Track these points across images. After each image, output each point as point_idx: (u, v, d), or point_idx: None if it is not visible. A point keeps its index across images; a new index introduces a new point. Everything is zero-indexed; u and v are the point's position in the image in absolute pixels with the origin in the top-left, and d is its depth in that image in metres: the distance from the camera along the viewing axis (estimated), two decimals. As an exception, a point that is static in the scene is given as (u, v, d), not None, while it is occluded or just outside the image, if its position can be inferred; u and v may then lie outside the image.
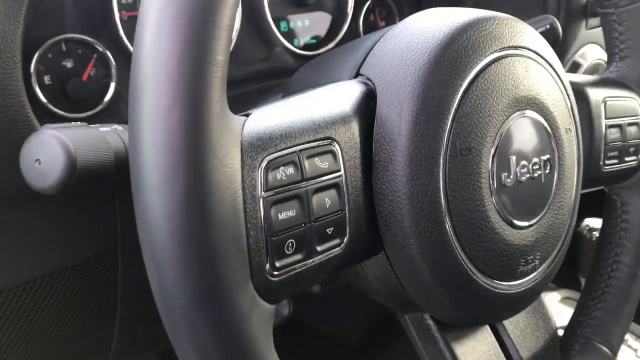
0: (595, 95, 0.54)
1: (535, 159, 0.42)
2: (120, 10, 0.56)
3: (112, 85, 0.56)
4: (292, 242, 0.32)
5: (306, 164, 0.33)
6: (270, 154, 0.32)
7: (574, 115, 0.47)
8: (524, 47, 0.42)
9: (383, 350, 1.05)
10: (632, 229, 0.58)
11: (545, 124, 0.43)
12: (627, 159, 0.56)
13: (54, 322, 0.60)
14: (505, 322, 0.49)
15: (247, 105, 0.37)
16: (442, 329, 0.45)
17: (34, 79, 0.51)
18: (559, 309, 1.12)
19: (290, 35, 0.71)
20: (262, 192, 0.31)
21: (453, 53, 0.38)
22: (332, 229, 0.35)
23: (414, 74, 0.37)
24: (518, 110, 0.41)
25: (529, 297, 0.45)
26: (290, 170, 0.32)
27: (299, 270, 0.33)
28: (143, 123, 0.28)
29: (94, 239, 0.56)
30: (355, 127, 0.37)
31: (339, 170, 0.35)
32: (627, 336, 1.22)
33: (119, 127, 0.40)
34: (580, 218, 1.07)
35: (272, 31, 0.67)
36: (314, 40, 0.74)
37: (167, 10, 0.27)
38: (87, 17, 0.55)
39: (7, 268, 0.52)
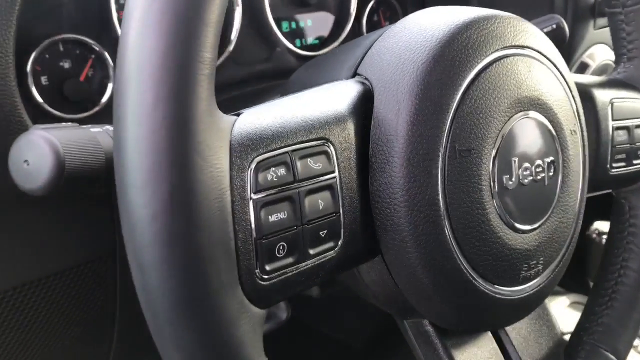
0: (602, 96, 0.53)
1: (539, 162, 0.41)
2: (118, 11, 0.56)
3: (110, 86, 0.55)
4: (283, 245, 0.31)
5: (298, 164, 0.32)
6: (261, 154, 0.31)
7: (579, 116, 0.46)
8: (527, 47, 0.41)
9: (387, 354, 1.04)
10: (640, 234, 0.57)
11: (549, 126, 0.42)
12: (635, 161, 0.55)
13: (52, 324, 0.59)
14: (508, 329, 0.48)
15: (247, 106, 0.37)
16: (441, 335, 0.44)
17: (30, 80, 0.50)
18: (567, 313, 1.11)
19: (292, 35, 0.71)
20: (252, 194, 0.30)
21: (453, 52, 0.37)
22: (325, 231, 0.34)
23: (412, 74, 0.36)
24: (521, 111, 0.40)
25: (533, 303, 0.44)
26: (282, 171, 0.31)
27: (290, 274, 0.32)
28: (126, 121, 0.27)
29: (92, 240, 0.55)
30: (350, 128, 0.36)
31: (333, 172, 0.34)
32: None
33: (110, 128, 0.40)
34: (589, 221, 1.05)
35: (274, 31, 0.66)
36: (316, 41, 0.73)
37: (152, 6, 0.27)
38: (85, 17, 0.55)
39: (4, 269, 0.51)
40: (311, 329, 1.08)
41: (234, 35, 0.63)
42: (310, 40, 0.73)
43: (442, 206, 0.36)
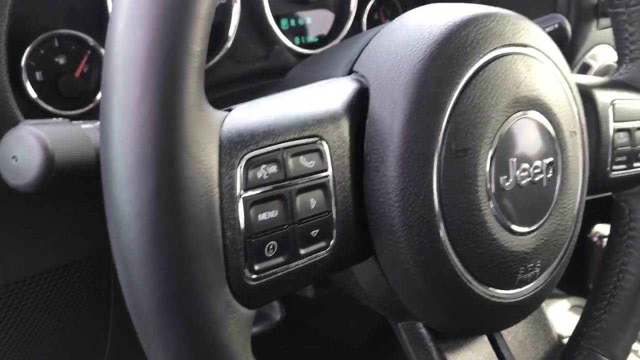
0: (603, 97, 0.52)
1: (537, 162, 0.40)
2: (114, 6, 0.55)
3: (106, 82, 0.55)
4: (273, 244, 0.31)
5: (290, 162, 0.32)
6: (251, 151, 0.30)
7: (579, 117, 0.45)
8: (527, 46, 0.40)
9: (385, 356, 1.03)
10: (640, 237, 0.56)
11: (549, 126, 0.41)
12: (635, 164, 0.54)
13: (46, 322, 0.59)
14: (504, 332, 0.47)
15: None
16: (436, 338, 0.43)
17: (24, 75, 0.50)
18: (567, 317, 1.10)
19: (291, 33, 0.70)
20: (241, 191, 0.29)
21: (450, 50, 0.37)
22: (317, 231, 0.33)
23: (409, 71, 0.36)
24: (519, 111, 0.39)
25: (529, 307, 0.43)
26: (273, 168, 0.31)
27: (280, 274, 0.32)
28: (112, 115, 0.26)
29: (85, 238, 0.55)
30: (345, 126, 0.35)
31: (326, 170, 0.34)
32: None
33: None
34: (590, 224, 1.05)
35: (272, 29, 0.65)
36: (316, 39, 0.73)
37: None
38: (82, 13, 0.54)
39: (-3, 266, 0.51)
40: (309, 330, 1.07)
41: (232, 31, 0.62)
42: (310, 38, 0.72)
43: (437, 207, 0.36)
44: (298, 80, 0.49)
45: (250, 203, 0.30)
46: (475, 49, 0.37)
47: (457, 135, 0.36)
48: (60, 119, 0.38)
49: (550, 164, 0.41)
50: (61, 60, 0.53)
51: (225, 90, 0.63)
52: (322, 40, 0.73)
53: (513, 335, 0.48)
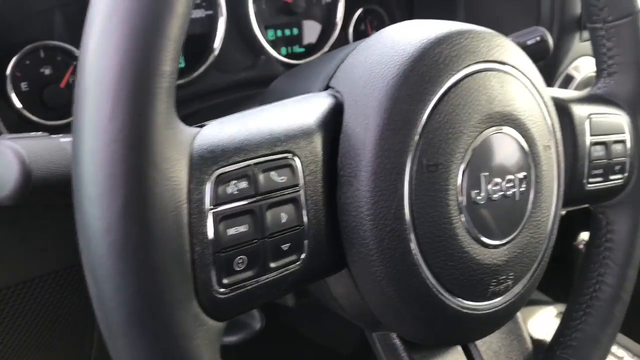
0: (580, 111, 0.53)
1: (510, 177, 0.41)
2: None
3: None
4: (242, 258, 0.32)
5: (261, 178, 0.32)
6: (222, 167, 0.31)
7: (554, 131, 0.46)
8: (501, 62, 0.41)
9: (374, 362, 1.04)
10: (617, 249, 0.57)
11: (522, 141, 0.42)
12: (612, 177, 0.55)
13: (32, 329, 0.60)
14: (478, 343, 0.48)
15: (230, 114, 0.37)
16: (410, 348, 0.44)
17: (9, 86, 0.50)
18: (554, 324, 1.11)
19: (278, 43, 0.71)
20: (210, 207, 0.30)
21: (423, 67, 0.37)
22: (288, 245, 0.34)
23: (382, 88, 0.37)
24: (492, 127, 0.40)
25: (502, 318, 0.44)
26: (243, 184, 0.32)
27: (250, 287, 0.32)
28: (83, 132, 0.27)
29: (71, 246, 0.55)
30: (318, 141, 0.36)
31: (297, 185, 0.34)
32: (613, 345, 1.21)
33: None
34: (576, 232, 1.05)
35: (258, 39, 0.66)
36: (303, 49, 0.74)
37: (112, 18, 0.27)
38: (67, 24, 0.55)
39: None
40: (298, 336, 1.08)
41: (217, 44, 0.63)
42: (296, 48, 0.73)
43: (408, 220, 0.37)
44: (278, 92, 0.49)
45: (219, 218, 0.30)
46: (448, 66, 0.38)
47: (429, 151, 0.37)
48: (40, 132, 0.39)
49: (524, 178, 0.42)
50: (47, 71, 0.54)
51: (211, 101, 0.64)
52: (309, 51, 0.74)
53: (487, 346, 0.48)
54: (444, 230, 0.38)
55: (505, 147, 0.41)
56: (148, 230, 0.27)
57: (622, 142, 0.55)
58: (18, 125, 0.52)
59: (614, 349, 1.22)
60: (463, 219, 0.39)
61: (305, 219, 0.35)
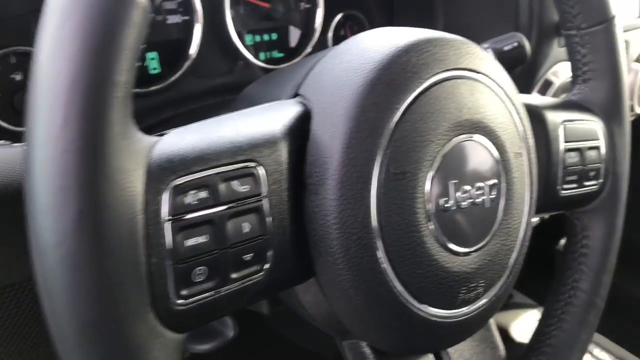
0: (554, 117, 0.53)
1: (480, 184, 0.41)
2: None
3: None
4: (202, 269, 0.31)
5: (222, 187, 0.32)
6: (180, 177, 0.30)
7: (526, 138, 0.46)
8: (470, 70, 0.41)
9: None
10: (592, 255, 0.57)
11: (492, 148, 0.42)
12: (586, 183, 0.55)
13: (5, 337, 0.59)
14: (450, 350, 0.48)
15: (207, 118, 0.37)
16: (379, 357, 0.44)
17: None
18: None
19: (256, 48, 0.71)
20: (168, 217, 0.30)
21: (390, 75, 0.37)
22: (251, 255, 0.34)
23: (349, 96, 0.36)
24: (461, 134, 0.40)
25: (473, 326, 0.44)
26: (203, 194, 0.31)
27: (210, 298, 0.32)
28: (35, 142, 0.26)
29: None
30: (283, 149, 0.36)
31: (260, 194, 0.34)
32: (593, 347, 1.22)
33: None
34: (559, 237, 1.06)
35: (235, 45, 0.66)
36: (282, 54, 0.74)
37: (64, 27, 0.27)
38: (39, 30, 0.55)
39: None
40: (284, 340, 1.08)
41: (193, 49, 0.63)
42: (275, 53, 0.73)
43: (375, 229, 0.36)
44: (249, 99, 0.49)
45: (177, 228, 0.30)
46: (416, 74, 0.38)
47: (396, 159, 0.37)
48: (2, 141, 0.38)
49: (494, 185, 0.42)
50: (18, 77, 0.53)
51: (188, 106, 0.64)
52: (288, 56, 0.74)
53: (459, 354, 0.48)
54: (412, 238, 0.38)
55: (475, 154, 0.41)
56: (101, 242, 0.26)
57: (597, 148, 0.56)
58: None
59: (597, 351, 1.22)
60: (431, 226, 0.39)
61: (269, 228, 0.34)
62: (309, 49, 0.73)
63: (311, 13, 0.73)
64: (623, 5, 0.96)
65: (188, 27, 0.63)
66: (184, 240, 0.30)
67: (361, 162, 0.36)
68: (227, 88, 0.67)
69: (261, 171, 0.34)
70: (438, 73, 0.39)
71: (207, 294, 0.32)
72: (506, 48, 0.65)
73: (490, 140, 0.42)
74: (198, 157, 0.31)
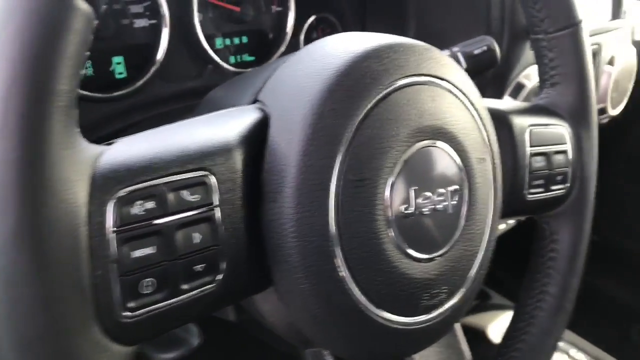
0: (520, 122, 0.53)
1: (441, 190, 0.41)
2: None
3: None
4: (150, 280, 0.31)
5: (171, 197, 0.31)
6: (127, 186, 0.30)
7: (490, 144, 0.45)
8: (431, 76, 0.41)
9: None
10: (560, 259, 0.57)
11: (454, 154, 0.42)
12: (553, 187, 0.55)
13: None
14: (415, 357, 0.48)
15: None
16: None
17: None
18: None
19: (226, 52, 0.70)
20: (113, 228, 0.29)
21: (349, 82, 0.37)
22: (203, 265, 0.33)
23: (307, 103, 0.36)
24: (422, 140, 0.40)
25: (437, 332, 0.44)
26: (150, 204, 0.31)
27: (160, 310, 0.31)
28: None
29: None
30: (238, 157, 0.35)
31: (212, 204, 0.33)
32: (570, 347, 1.23)
33: None
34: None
35: (204, 48, 0.65)
36: (253, 57, 0.73)
37: (2, 32, 0.26)
38: None
39: None
40: (257, 341, 1.07)
41: (160, 55, 0.62)
42: (246, 57, 0.72)
43: (334, 236, 0.36)
44: (212, 103, 0.49)
45: (123, 240, 0.29)
46: (376, 81, 0.38)
47: (355, 166, 0.36)
48: None
49: (456, 191, 0.42)
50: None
51: (156, 110, 0.63)
52: (259, 59, 0.73)
53: (425, 360, 0.48)
54: (372, 245, 0.37)
55: (436, 160, 0.41)
56: (40, 255, 0.26)
57: (564, 152, 0.56)
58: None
59: (573, 352, 1.23)
60: (391, 233, 0.38)
61: (221, 238, 0.34)
62: (280, 52, 0.73)
63: (282, 16, 0.73)
64: (596, 8, 0.97)
65: (155, 31, 0.62)
66: (130, 251, 0.30)
67: (319, 169, 0.35)
68: (196, 92, 0.66)
69: (213, 180, 0.33)
70: (398, 79, 0.39)
71: (156, 306, 0.31)
72: (476, 52, 0.65)
73: (452, 146, 0.41)
74: (145, 166, 0.31)
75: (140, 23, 0.62)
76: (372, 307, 0.38)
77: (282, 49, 0.73)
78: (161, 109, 0.63)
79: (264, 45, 0.74)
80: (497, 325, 1.22)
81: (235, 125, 0.36)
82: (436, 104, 0.41)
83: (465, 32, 0.73)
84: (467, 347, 0.51)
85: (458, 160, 0.42)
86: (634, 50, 1.00)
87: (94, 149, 0.30)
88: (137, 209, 0.30)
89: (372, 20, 0.81)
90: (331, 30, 0.79)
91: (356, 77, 0.37)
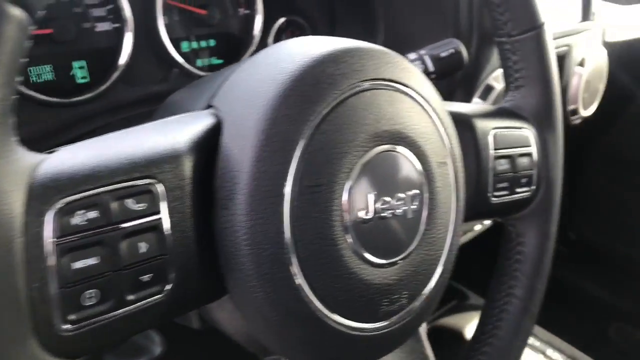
0: (483, 125, 0.53)
1: (401, 195, 0.40)
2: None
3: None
4: (94, 292, 0.30)
5: (114, 206, 0.31)
6: (67, 196, 0.29)
7: (451, 148, 0.45)
8: (390, 80, 0.40)
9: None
10: (526, 261, 0.57)
11: (413, 158, 0.41)
12: (518, 190, 0.55)
13: None
14: (379, 363, 0.47)
15: None
16: None
17: None
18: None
19: (193, 55, 0.69)
20: (52, 239, 0.28)
21: (304, 87, 0.36)
22: (150, 275, 0.32)
23: (261, 108, 0.36)
24: (381, 145, 0.39)
25: (397, 338, 0.43)
26: (93, 213, 0.30)
27: (104, 322, 0.31)
28: None
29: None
30: (188, 164, 0.35)
31: (159, 212, 0.33)
32: (546, 347, 1.24)
33: None
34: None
35: (169, 52, 0.64)
36: (221, 61, 0.72)
37: None
38: None
39: None
40: (221, 349, 1.06)
41: (123, 60, 0.61)
42: (213, 60, 0.72)
43: (289, 244, 0.35)
44: (169, 108, 0.48)
45: (63, 251, 0.29)
46: (331, 85, 0.37)
47: (310, 172, 0.36)
48: None
49: (415, 195, 0.41)
50: None
51: (120, 115, 0.62)
52: (227, 63, 0.73)
53: (388, 366, 0.48)
54: (329, 251, 0.37)
55: (395, 165, 0.40)
56: None
57: (529, 155, 0.56)
58: None
59: (550, 352, 1.24)
60: (349, 239, 0.38)
61: (170, 247, 0.33)
62: (247, 56, 0.72)
63: (250, 19, 0.72)
64: (565, 10, 0.98)
65: (119, 34, 0.61)
66: (71, 262, 0.29)
67: (272, 175, 0.35)
68: (161, 96, 0.64)
69: (160, 188, 0.33)
70: (355, 84, 0.38)
71: (99, 318, 0.30)
72: (443, 54, 0.65)
73: (412, 150, 0.41)
74: (88, 175, 0.30)
75: (103, 27, 0.61)
76: (330, 314, 0.38)
77: (250, 51, 0.72)
78: (125, 114, 0.62)
79: (232, 48, 0.73)
80: (474, 326, 1.22)
81: (186, 131, 0.36)
82: (395, 108, 0.40)
83: (434, 35, 0.73)
84: (431, 352, 0.51)
85: (418, 164, 0.42)
86: (604, 52, 1.01)
87: (33, 157, 0.29)
88: (79, 218, 0.29)
89: (341, 23, 0.80)
90: (300, 33, 0.79)
91: (311, 82, 0.37)
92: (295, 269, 0.36)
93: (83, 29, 0.60)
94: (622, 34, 1.12)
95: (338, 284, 0.38)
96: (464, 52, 0.66)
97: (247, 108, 0.36)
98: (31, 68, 0.57)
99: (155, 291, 0.33)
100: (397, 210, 0.40)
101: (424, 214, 0.42)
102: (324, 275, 0.37)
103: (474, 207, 0.52)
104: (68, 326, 0.29)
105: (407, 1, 0.80)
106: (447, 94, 0.80)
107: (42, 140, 0.57)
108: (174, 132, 0.35)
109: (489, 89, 0.80)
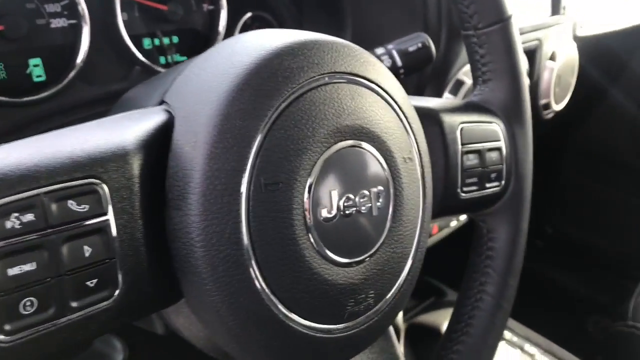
0: (451, 120, 0.52)
1: (365, 192, 0.39)
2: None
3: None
4: (32, 300, 0.28)
5: (54, 208, 0.29)
6: (0, 198, 0.27)
7: (417, 143, 0.44)
8: (351, 74, 0.39)
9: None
10: (497, 257, 0.56)
11: (377, 154, 0.40)
12: (488, 185, 0.54)
13: None
14: (348, 365, 0.46)
15: None
16: None
17: None
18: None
19: (155, 52, 0.67)
20: None
21: (259, 80, 0.35)
22: (95, 280, 0.30)
23: (214, 103, 0.34)
24: (342, 141, 0.38)
25: (365, 339, 0.42)
26: (29, 216, 0.28)
27: (45, 331, 0.29)
28: None
29: None
30: (136, 163, 0.33)
31: (104, 214, 0.31)
32: (524, 342, 1.24)
33: None
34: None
35: (129, 49, 0.62)
36: (185, 57, 0.70)
37: None
38: None
39: None
40: (190, 346, 1.04)
41: (80, 57, 0.59)
42: (177, 57, 0.70)
43: (246, 244, 0.34)
44: (123, 105, 0.46)
45: None
46: (288, 79, 0.36)
47: (267, 169, 0.34)
48: None
49: (380, 192, 0.40)
50: None
51: (78, 114, 0.60)
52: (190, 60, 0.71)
53: (358, 367, 0.46)
54: (289, 252, 0.36)
55: (358, 161, 0.39)
56: None
57: (498, 149, 0.55)
58: None
59: (527, 347, 1.24)
60: (311, 239, 0.36)
61: (117, 250, 0.31)
62: (212, 53, 0.70)
63: (215, 14, 0.70)
64: (535, 4, 0.98)
65: (75, 31, 0.59)
66: (5, 269, 0.27)
67: (227, 173, 0.33)
68: (122, 94, 0.63)
69: (104, 188, 0.31)
70: (314, 77, 0.37)
71: (40, 327, 0.29)
72: (411, 49, 0.64)
73: (375, 146, 0.40)
74: (24, 175, 0.28)
75: (58, 23, 0.58)
76: (293, 317, 0.36)
77: (215, 48, 0.70)
78: (83, 113, 0.60)
79: (196, 45, 0.71)
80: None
81: (135, 128, 0.34)
82: (356, 102, 0.39)
83: (403, 30, 0.72)
84: (402, 351, 0.49)
85: (382, 160, 0.40)
86: (574, 45, 1.01)
87: None
88: (13, 222, 0.27)
89: (309, 17, 0.79)
90: (267, 28, 0.77)
91: (266, 76, 0.35)
92: (253, 270, 0.34)
93: (37, 25, 0.57)
94: (592, 29, 1.12)
95: (300, 285, 0.36)
96: (432, 47, 0.65)
97: (199, 103, 0.34)
98: (-18, 66, 0.55)
99: (103, 297, 0.31)
100: (362, 208, 0.39)
101: (390, 210, 0.41)
102: (285, 277, 0.35)
103: (443, 203, 0.51)
104: (5, 337, 0.27)
105: (376, -4, 0.79)
106: (417, 90, 0.79)
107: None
108: (121, 130, 0.34)
109: (459, 84, 0.79)
